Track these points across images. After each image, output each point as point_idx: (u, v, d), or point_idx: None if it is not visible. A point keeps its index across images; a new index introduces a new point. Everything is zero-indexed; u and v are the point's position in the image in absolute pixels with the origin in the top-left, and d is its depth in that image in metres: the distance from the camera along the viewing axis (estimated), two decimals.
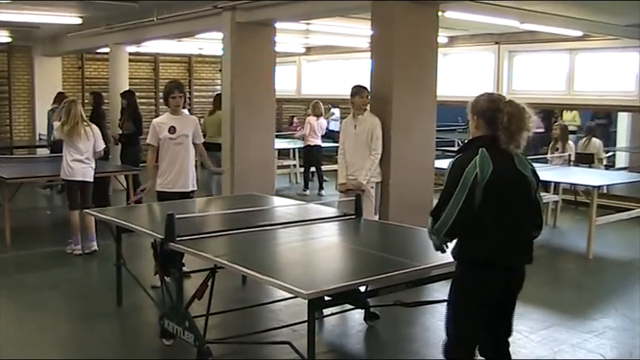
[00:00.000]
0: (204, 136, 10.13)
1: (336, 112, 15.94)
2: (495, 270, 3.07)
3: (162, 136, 5.81)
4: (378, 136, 6.15)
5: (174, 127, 5.82)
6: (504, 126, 3.00)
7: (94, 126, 7.09)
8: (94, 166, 7.01)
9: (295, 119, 16.54)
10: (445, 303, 4.70)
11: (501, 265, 3.08)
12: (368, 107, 6.35)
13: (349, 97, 6.44)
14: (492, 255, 3.05)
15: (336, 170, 11.87)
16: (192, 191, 6.02)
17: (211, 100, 10.64)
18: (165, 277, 4.79)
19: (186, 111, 6.57)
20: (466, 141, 3.20)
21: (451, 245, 3.21)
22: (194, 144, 6.00)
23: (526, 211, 3.12)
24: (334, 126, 14.67)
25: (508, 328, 3.33)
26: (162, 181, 5.85)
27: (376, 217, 6.13)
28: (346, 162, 6.40)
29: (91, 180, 7.00)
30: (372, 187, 6.19)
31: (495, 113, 3.04)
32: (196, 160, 6.23)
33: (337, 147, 12.08)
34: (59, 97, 10.87)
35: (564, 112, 13.30)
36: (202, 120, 10.32)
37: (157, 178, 5.88)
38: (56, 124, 7.15)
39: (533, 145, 11.09)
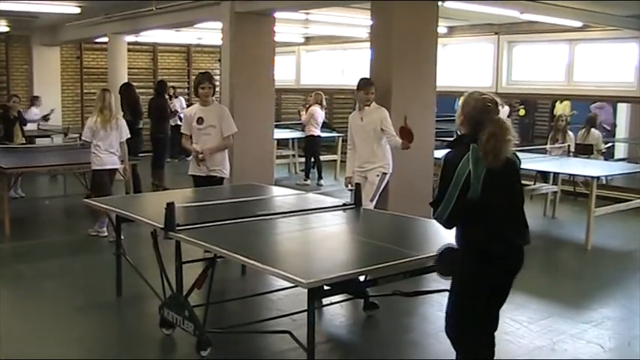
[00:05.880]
0: None
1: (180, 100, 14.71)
2: (500, 254, 3.12)
3: (192, 126, 6.15)
4: (389, 125, 6.07)
5: (201, 118, 6.12)
6: (482, 142, 3.01)
7: (120, 117, 7.26)
8: (119, 154, 7.13)
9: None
10: (443, 293, 4.74)
11: (506, 249, 3.14)
12: (373, 100, 6.26)
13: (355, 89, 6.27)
14: (497, 239, 3.10)
15: (334, 160, 12.12)
16: (222, 178, 6.28)
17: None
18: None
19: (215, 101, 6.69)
20: (455, 135, 3.28)
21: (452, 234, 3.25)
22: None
23: (520, 194, 3.23)
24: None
25: (497, 321, 3.35)
26: (194, 166, 6.22)
27: (371, 205, 6.08)
28: (356, 155, 6.29)
29: (118, 166, 7.16)
30: (378, 176, 6.14)
31: (480, 125, 3.06)
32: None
33: (334, 137, 12.43)
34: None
35: (557, 102, 13.30)
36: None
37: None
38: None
39: None
